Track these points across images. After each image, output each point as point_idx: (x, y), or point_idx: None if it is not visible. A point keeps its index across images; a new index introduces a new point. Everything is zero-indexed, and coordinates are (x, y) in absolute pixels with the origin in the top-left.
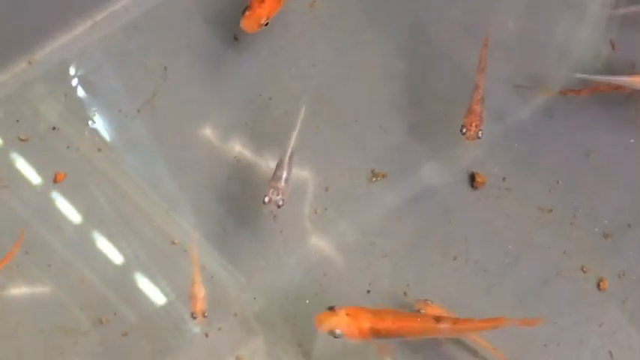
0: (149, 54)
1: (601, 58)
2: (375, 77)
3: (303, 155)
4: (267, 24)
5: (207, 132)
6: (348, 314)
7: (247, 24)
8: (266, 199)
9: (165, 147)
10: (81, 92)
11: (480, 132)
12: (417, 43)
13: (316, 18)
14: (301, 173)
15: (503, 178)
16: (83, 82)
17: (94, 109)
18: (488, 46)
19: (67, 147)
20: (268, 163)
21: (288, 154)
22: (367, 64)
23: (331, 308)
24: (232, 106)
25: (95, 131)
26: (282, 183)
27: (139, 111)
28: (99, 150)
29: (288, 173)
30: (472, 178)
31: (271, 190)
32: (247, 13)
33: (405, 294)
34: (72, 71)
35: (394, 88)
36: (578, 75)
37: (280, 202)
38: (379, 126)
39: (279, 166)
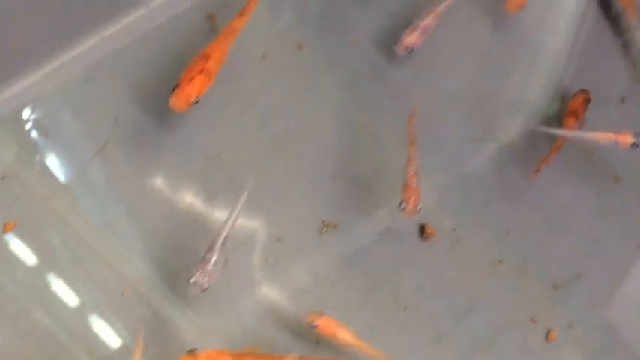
0: (101, 104)
1: (554, 106)
2: (327, 127)
3: (254, 205)
4: (197, 102)
5: (159, 183)
6: (207, 357)
7: (176, 102)
8: (191, 281)
9: (117, 196)
10: (33, 140)
11: (419, 206)
12: (369, 94)
13: (268, 68)
14: (252, 223)
15: (454, 229)
16: (36, 130)
17: (46, 157)
18: (414, 119)
19: (19, 195)
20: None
21: (222, 238)
22: (320, 115)
23: (192, 351)
24: (183, 157)
25: (48, 178)
26: (211, 266)
27: (91, 160)
28: (51, 198)
29: (219, 257)
30: (422, 229)
31: (199, 271)
32: (176, 91)
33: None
34: (24, 118)
35: (346, 138)
36: (541, 128)
37: (205, 286)
38: (331, 176)
39: (210, 248)
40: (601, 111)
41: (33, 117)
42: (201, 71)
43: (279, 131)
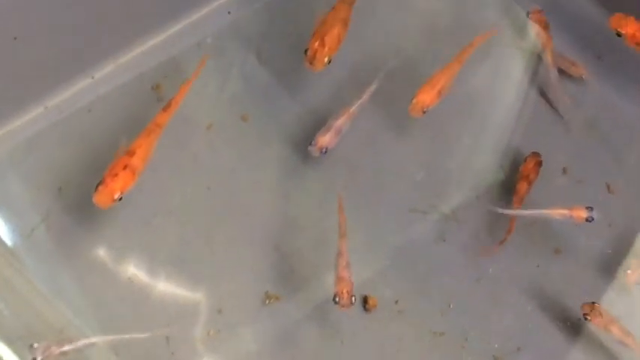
0: (46, 173)
1: (499, 176)
2: (269, 198)
3: (196, 276)
4: (120, 198)
5: (102, 252)
6: None
7: (100, 199)
8: None
9: (62, 264)
10: None
11: (353, 297)
12: (313, 165)
13: (214, 138)
14: (195, 295)
15: (396, 301)
16: None
17: None
18: (343, 211)
19: None
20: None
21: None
22: (263, 185)
23: None
24: (127, 228)
25: None
26: None
27: (33, 230)
28: None
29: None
30: (364, 300)
31: None
32: (100, 187)
33: None
34: None
35: (290, 209)
36: (501, 210)
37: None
38: (274, 247)
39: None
40: (544, 182)
41: None
42: (125, 167)
43: (222, 201)
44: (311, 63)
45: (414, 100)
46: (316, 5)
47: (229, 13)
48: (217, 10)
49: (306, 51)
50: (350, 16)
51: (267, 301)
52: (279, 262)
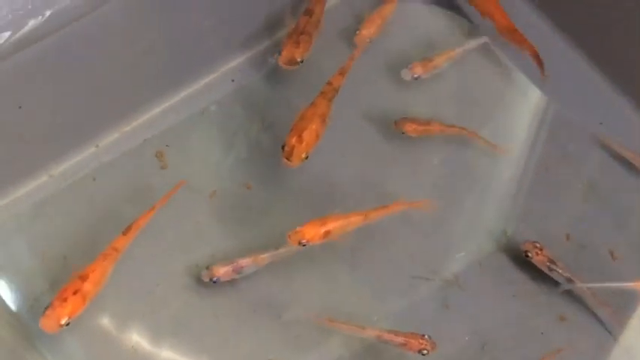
0: (51, 241)
1: (504, 241)
2: (272, 266)
3: (200, 345)
4: (68, 324)
5: (105, 322)
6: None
7: (46, 324)
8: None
9: (68, 332)
10: None
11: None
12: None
13: (216, 207)
14: None
15: None
16: None
17: None
18: None
19: None
20: (165, 354)
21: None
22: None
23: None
24: (130, 296)
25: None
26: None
27: (38, 297)
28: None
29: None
30: None
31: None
32: (47, 312)
33: None
34: None
35: (292, 277)
36: (581, 285)
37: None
38: (277, 315)
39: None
40: (548, 248)
41: None
42: (75, 292)
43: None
44: (288, 159)
45: (295, 229)
46: (321, 71)
47: (233, 80)
48: (221, 77)
49: (283, 146)
50: (330, 112)
51: None
52: (283, 330)
